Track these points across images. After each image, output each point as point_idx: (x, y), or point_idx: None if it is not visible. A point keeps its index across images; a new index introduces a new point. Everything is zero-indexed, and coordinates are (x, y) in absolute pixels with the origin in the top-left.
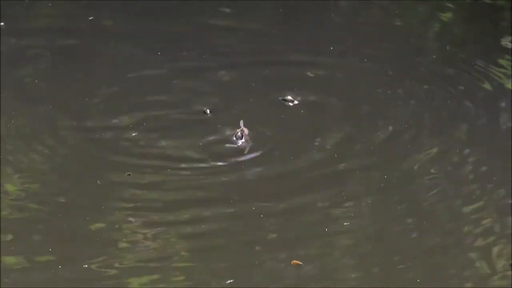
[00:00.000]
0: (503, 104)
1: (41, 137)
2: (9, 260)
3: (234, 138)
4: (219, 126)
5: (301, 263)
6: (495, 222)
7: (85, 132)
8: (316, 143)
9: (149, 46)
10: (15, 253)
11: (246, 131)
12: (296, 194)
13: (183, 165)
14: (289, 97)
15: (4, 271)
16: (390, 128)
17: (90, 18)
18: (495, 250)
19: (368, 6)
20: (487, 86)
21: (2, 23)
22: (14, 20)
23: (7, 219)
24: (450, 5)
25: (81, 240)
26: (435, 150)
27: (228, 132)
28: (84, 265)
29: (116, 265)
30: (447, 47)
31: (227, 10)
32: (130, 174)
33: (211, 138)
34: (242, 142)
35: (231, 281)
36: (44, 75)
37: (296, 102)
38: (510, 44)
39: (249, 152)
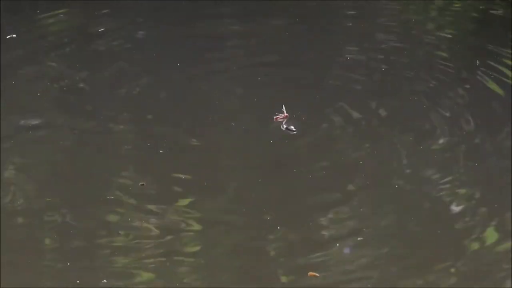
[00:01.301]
0: None
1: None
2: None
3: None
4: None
5: (317, 274)
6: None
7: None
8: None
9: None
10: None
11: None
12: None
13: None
14: (292, 127)
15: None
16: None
17: (100, 30)
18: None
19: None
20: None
21: (14, 35)
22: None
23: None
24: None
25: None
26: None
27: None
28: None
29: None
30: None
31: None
32: (143, 184)
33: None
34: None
35: None
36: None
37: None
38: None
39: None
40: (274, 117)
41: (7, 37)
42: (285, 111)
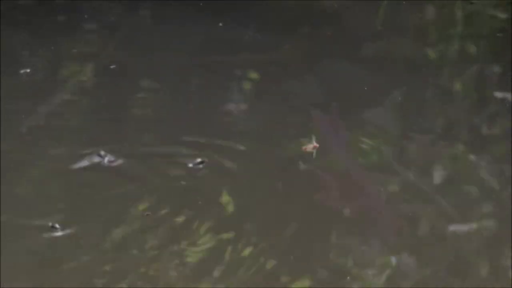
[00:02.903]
0: None
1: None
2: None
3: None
4: None
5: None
6: None
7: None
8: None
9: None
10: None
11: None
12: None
13: None
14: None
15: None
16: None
17: (112, 67)
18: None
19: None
20: None
21: (28, 70)
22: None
23: None
24: None
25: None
26: None
27: None
28: None
29: None
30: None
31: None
32: (148, 214)
33: None
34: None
35: None
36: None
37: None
38: None
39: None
40: (303, 147)
41: (21, 71)
42: (314, 142)
